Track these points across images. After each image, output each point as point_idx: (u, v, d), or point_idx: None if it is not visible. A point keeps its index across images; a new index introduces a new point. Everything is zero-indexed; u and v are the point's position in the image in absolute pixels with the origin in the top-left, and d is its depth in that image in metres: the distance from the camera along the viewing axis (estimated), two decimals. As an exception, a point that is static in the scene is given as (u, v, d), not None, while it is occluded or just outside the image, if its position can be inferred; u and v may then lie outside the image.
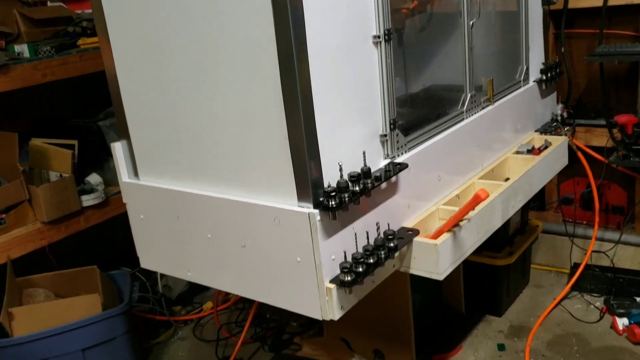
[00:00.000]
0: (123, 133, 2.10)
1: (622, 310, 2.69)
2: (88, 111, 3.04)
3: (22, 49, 2.69)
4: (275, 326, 2.96)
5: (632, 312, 2.66)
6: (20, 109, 2.98)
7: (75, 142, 2.84)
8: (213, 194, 1.87)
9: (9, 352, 2.33)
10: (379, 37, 1.78)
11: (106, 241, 3.24)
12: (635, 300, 2.79)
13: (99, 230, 2.90)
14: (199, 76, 1.79)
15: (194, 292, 3.36)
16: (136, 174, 2.12)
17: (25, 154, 2.85)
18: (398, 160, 1.89)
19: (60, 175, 2.70)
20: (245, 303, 3.18)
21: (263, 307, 3.01)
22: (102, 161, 2.96)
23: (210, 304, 3.20)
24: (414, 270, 1.90)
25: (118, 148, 2.12)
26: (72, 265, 2.70)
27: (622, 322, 2.63)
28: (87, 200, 2.71)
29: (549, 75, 2.75)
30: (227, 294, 3.22)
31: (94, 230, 2.85)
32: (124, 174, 2.14)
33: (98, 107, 3.01)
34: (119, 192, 2.20)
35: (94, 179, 2.85)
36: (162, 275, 3.20)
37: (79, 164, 2.85)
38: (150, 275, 3.17)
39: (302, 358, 2.41)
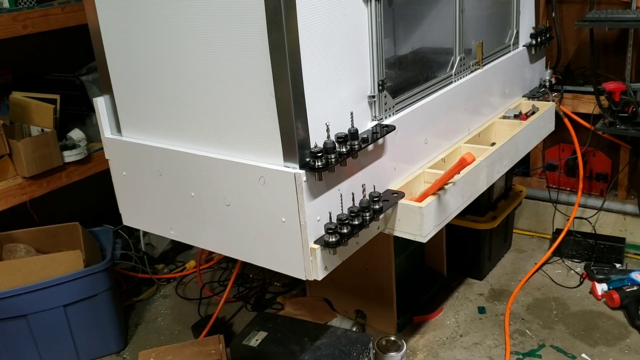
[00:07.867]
0: (106, 88, 2.06)
1: (601, 276, 2.72)
2: (71, 65, 2.98)
3: (2, -2, 2.61)
4: (258, 286, 2.98)
5: (611, 278, 2.69)
6: (1, 61, 2.91)
7: (57, 97, 2.79)
8: (197, 151, 1.84)
9: (-11, 307, 2.33)
10: (369, -6, 1.74)
11: (89, 198, 3.22)
12: (615, 266, 2.83)
13: (82, 186, 2.87)
14: (184, 30, 1.74)
15: (177, 251, 3.36)
16: (119, 130, 2.09)
17: (6, 108, 2.79)
18: (385, 122, 1.87)
19: (42, 130, 2.66)
20: (228, 263, 3.18)
21: (246, 266, 3.02)
22: (84, 117, 2.92)
23: (193, 263, 3.19)
24: (398, 233, 1.91)
25: (100, 103, 2.08)
26: (54, 221, 2.68)
27: (601, 287, 2.67)
28: (69, 156, 2.68)
29: (538, 40, 2.74)
30: (211, 253, 3.22)
31: (77, 187, 2.82)
32: (106, 130, 2.11)
33: (81, 61, 2.95)
34: (102, 148, 2.16)
35: (76, 134, 2.81)
36: (145, 234, 3.19)
37: (61, 119, 2.81)
38: (133, 233, 3.16)
39: (285, 317, 2.42)
